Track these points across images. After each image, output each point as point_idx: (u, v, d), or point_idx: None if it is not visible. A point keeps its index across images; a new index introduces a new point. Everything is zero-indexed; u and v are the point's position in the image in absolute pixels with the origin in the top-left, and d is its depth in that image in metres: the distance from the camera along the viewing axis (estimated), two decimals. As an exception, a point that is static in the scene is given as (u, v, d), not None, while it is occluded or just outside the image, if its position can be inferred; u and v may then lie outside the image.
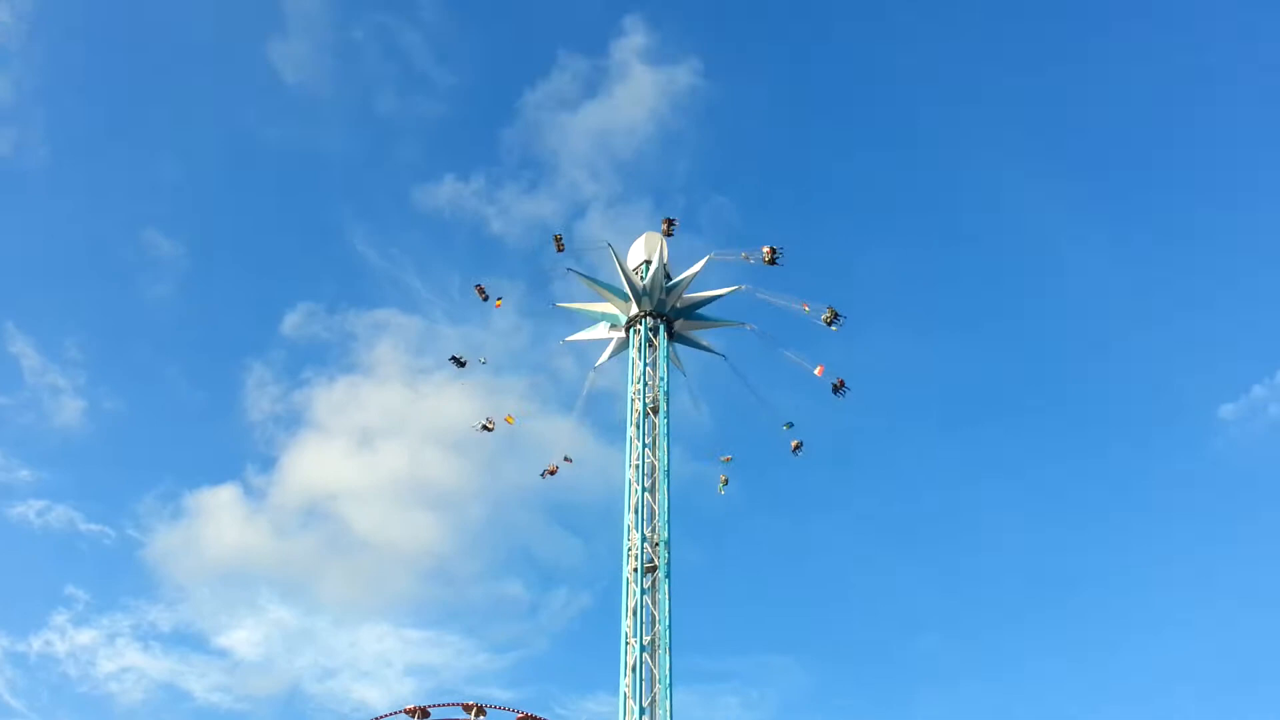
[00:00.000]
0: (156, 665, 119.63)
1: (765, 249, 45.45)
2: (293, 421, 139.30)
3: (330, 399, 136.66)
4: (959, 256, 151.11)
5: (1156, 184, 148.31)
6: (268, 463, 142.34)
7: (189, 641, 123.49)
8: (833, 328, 45.13)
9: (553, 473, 47.54)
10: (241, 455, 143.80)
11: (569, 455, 47.75)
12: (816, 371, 45.59)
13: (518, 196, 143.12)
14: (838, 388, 45.57)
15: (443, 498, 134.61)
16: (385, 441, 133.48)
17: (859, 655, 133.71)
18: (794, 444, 45.81)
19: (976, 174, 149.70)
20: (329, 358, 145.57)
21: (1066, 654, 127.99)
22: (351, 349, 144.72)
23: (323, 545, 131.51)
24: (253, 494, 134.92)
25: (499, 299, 48.07)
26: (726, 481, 45.65)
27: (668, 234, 46.68)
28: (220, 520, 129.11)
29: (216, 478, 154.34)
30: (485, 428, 48.22)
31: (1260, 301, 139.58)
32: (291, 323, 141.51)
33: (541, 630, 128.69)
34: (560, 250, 46.39)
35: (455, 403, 48.37)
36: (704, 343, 47.57)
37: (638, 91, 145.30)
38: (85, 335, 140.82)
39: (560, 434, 49.20)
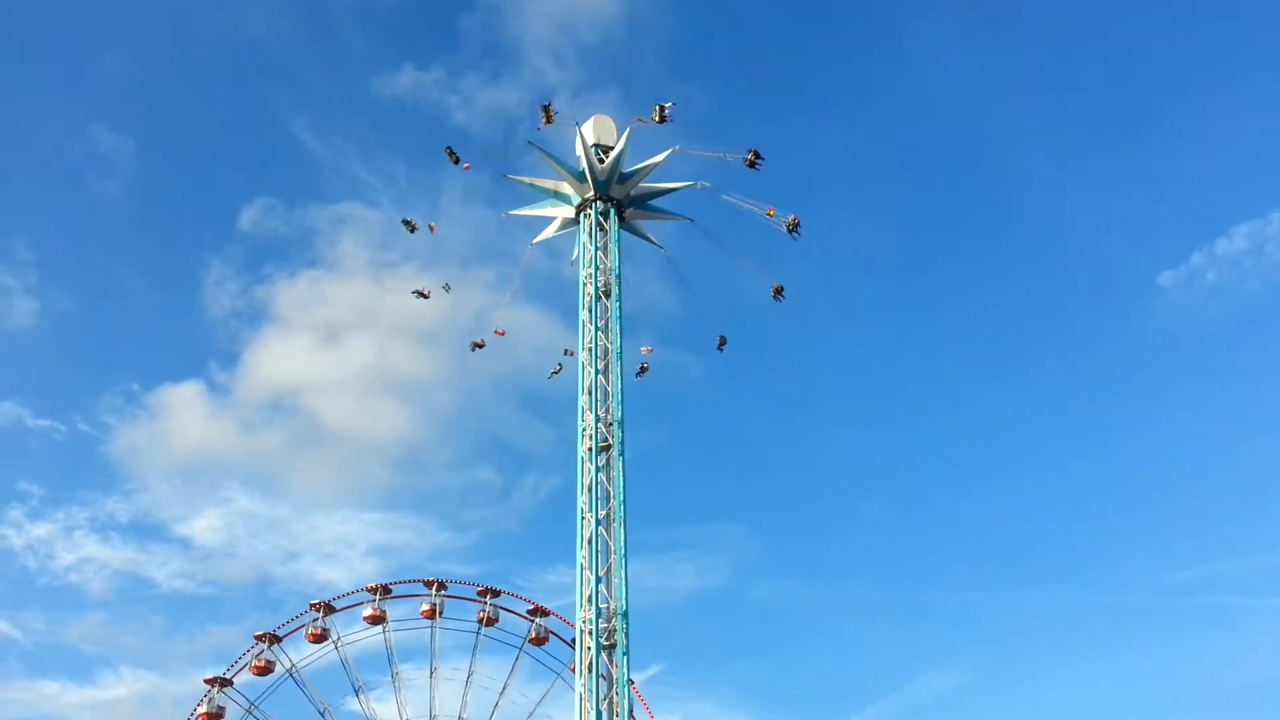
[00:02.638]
0: (116, 555, 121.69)
1: (750, 152, 45.33)
2: (255, 317, 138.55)
3: (293, 294, 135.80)
4: (915, 145, 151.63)
5: (1100, 56, 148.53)
6: (230, 359, 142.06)
7: (148, 532, 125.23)
8: (793, 235, 45.49)
9: (480, 346, 48.67)
10: (203, 352, 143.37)
11: (500, 329, 49.07)
12: (768, 213, 45.76)
13: (480, 86, 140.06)
14: (792, 227, 45.60)
15: (412, 389, 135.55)
16: (352, 335, 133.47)
17: (807, 520, 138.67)
18: (774, 288, 46.34)
19: (934, 63, 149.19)
20: (290, 253, 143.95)
21: (1009, 517, 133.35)
22: (313, 244, 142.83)
23: (290, 438, 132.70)
24: (217, 390, 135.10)
25: (466, 164, 47.65)
26: (644, 370, 46.78)
27: (661, 120, 45.99)
28: (183, 416, 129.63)
29: (178, 375, 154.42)
30: (477, 345, 49.02)
31: (1199, 169, 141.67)
32: (249, 218, 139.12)
33: (513, 512, 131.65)
34: (456, 162, 46.59)
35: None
36: (664, 211, 48.00)
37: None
38: (35, 235, 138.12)
39: (527, 323, 50.28)
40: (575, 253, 47.55)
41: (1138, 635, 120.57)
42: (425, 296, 48.92)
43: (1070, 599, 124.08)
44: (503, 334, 49.27)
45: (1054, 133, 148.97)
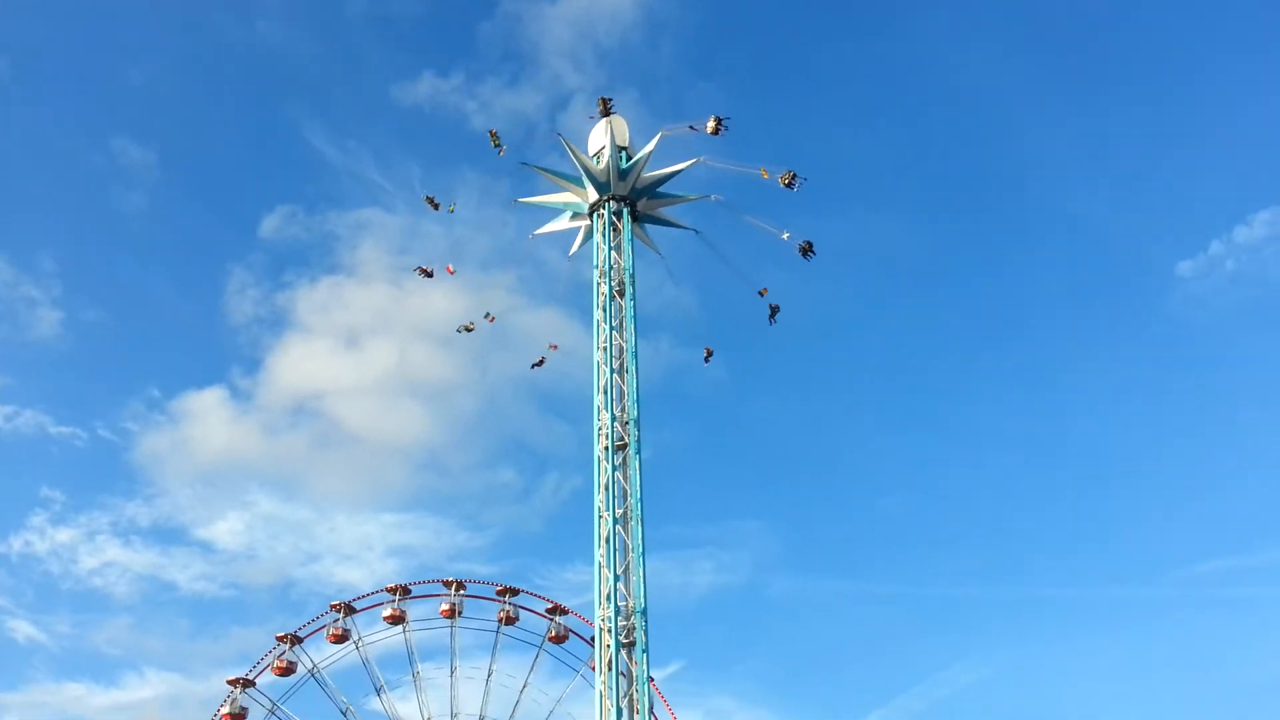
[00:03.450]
0: (138, 559, 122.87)
1: (711, 119, 45.07)
2: (276, 323, 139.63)
3: (313, 300, 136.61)
4: (933, 140, 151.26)
5: (1115, 45, 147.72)
6: (253, 365, 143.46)
7: (169, 536, 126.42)
8: (792, 188, 45.04)
9: (541, 364, 48.90)
10: (226, 358, 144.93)
11: (554, 343, 49.46)
12: (784, 236, 45.73)
13: (499, 91, 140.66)
14: (805, 250, 45.61)
15: (434, 392, 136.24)
16: (373, 340, 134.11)
17: (826, 517, 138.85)
18: (771, 308, 46.28)
19: (952, 57, 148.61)
20: (311, 259, 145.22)
21: (1029, 511, 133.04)
22: (334, 249, 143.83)
23: (312, 442, 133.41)
24: (239, 395, 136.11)
25: (451, 205, 48.76)
26: (710, 353, 47.41)
27: (605, 114, 46.29)
28: (207, 422, 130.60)
29: (201, 381, 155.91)
30: (466, 329, 49.51)
31: (1216, 157, 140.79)
32: (270, 225, 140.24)
33: (534, 513, 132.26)
34: (497, 146, 46.65)
35: (443, 299, 49.78)
36: (672, 219, 47.76)
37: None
38: (58, 247, 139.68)
39: (546, 325, 50.41)
40: (574, 248, 47.82)
41: (1162, 628, 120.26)
42: (429, 275, 49.73)
43: (1093, 593, 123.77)
44: (492, 319, 49.59)
45: (1070, 122, 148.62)
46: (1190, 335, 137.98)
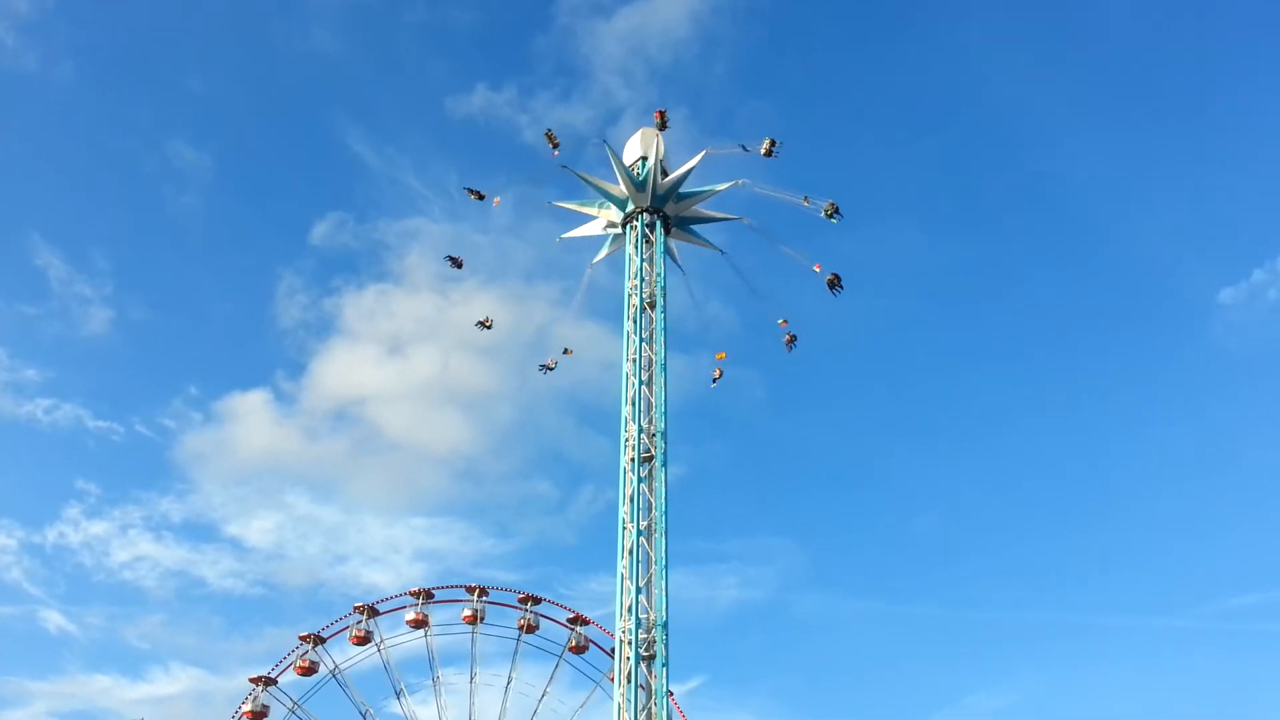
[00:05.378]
0: (169, 554, 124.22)
1: (765, 141, 45.18)
2: (323, 328, 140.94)
3: (360, 306, 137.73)
4: (979, 163, 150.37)
5: (1155, 67, 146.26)
6: (297, 369, 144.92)
7: (200, 532, 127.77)
8: (833, 221, 44.97)
9: (551, 368, 48.88)
10: (271, 361, 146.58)
11: (569, 348, 49.34)
12: (815, 268, 45.78)
13: (551, 105, 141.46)
14: (834, 283, 45.65)
15: (474, 401, 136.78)
16: (416, 348, 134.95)
17: (857, 536, 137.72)
18: (787, 338, 46.39)
19: (1000, 80, 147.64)
20: (359, 266, 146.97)
21: (1060, 538, 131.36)
22: (382, 258, 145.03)
23: (352, 447, 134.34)
24: (283, 398, 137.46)
25: (496, 199, 48.59)
26: (720, 375, 46.87)
27: (662, 127, 46.63)
28: (249, 423, 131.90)
29: (246, 383, 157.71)
30: (547, 367, 49.15)
31: (1260, 185, 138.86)
32: (321, 232, 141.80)
33: (568, 524, 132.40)
34: (553, 146, 46.69)
35: (486, 309, 49.51)
36: (702, 238, 47.84)
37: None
38: (112, 246, 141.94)
39: (587, 337, 50.04)
40: (599, 255, 48.15)
41: (1192, 660, 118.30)
42: (458, 265, 49.30)
43: (1123, 621, 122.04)
44: (570, 353, 49.04)
45: (1110, 141, 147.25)
46: (1230, 364, 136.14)
